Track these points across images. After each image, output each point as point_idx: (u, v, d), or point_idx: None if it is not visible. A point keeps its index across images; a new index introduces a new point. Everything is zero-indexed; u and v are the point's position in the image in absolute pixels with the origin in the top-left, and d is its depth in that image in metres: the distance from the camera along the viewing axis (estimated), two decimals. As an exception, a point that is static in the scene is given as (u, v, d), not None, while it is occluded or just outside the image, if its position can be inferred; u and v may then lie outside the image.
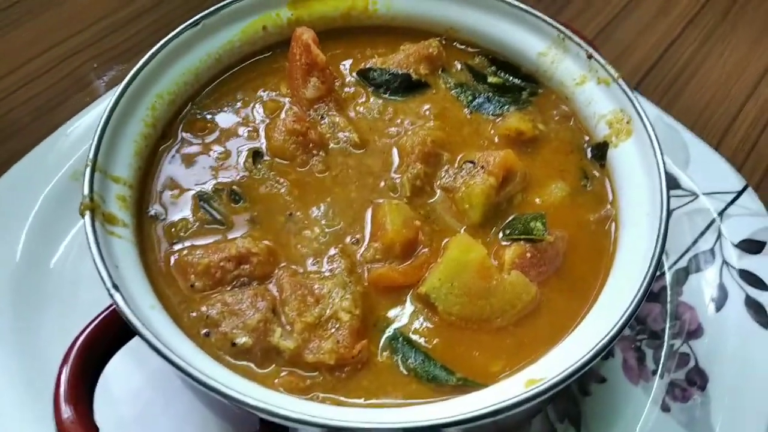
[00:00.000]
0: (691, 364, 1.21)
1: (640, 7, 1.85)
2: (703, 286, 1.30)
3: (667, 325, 1.25)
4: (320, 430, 0.75)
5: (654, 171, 0.98)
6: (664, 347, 1.24)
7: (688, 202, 1.40)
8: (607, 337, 0.82)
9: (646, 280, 0.87)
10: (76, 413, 0.82)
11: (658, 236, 0.92)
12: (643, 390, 1.19)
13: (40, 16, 1.67)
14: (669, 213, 0.94)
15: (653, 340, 1.25)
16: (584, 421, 1.15)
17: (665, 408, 1.17)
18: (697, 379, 1.20)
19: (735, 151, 1.59)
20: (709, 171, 1.43)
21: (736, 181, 1.41)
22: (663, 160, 0.99)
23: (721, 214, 1.38)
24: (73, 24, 1.65)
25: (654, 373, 1.21)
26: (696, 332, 1.25)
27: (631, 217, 1.00)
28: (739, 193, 1.39)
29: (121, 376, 1.08)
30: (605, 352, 0.82)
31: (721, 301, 1.27)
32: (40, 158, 1.30)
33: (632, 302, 0.85)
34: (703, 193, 1.40)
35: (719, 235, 1.36)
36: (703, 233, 1.36)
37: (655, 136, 1.01)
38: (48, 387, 0.83)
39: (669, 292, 1.30)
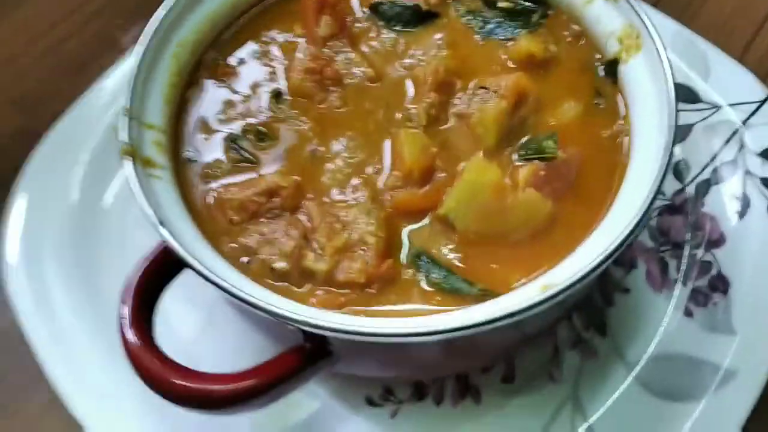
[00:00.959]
0: (714, 271, 1.25)
1: None
2: (725, 197, 1.32)
3: (689, 236, 1.29)
4: (357, 337, 0.82)
5: (662, 81, 1.00)
6: (686, 256, 1.27)
7: (710, 115, 1.41)
8: (619, 239, 0.86)
9: (655, 184, 0.90)
10: (141, 338, 0.90)
11: (666, 140, 0.94)
12: (665, 298, 1.24)
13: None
14: (677, 121, 0.96)
15: (676, 250, 1.29)
16: (609, 329, 1.21)
17: (688, 313, 1.21)
18: (720, 284, 1.23)
19: (759, 61, 1.57)
20: (731, 82, 1.43)
21: (759, 91, 1.40)
22: (672, 70, 1.00)
23: (743, 123, 1.38)
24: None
25: (677, 281, 1.25)
26: (718, 241, 1.28)
27: (643, 129, 1.02)
28: (762, 102, 1.39)
29: (177, 310, 1.18)
30: (618, 253, 0.86)
31: (743, 210, 1.29)
32: (81, 113, 1.39)
33: (642, 206, 0.89)
34: (725, 104, 1.40)
35: (742, 145, 1.37)
36: (725, 144, 1.37)
37: (663, 47, 1.02)
38: (113, 316, 0.91)
39: (691, 205, 1.32)
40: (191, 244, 0.89)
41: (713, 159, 1.37)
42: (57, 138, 1.37)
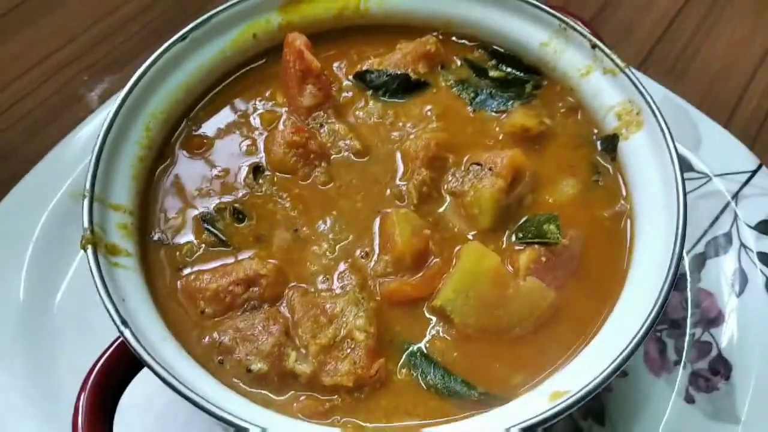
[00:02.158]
0: (714, 352, 1.19)
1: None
2: (721, 272, 1.27)
3: (689, 314, 1.23)
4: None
5: (667, 162, 0.95)
6: (686, 337, 1.21)
7: (701, 185, 1.37)
8: (634, 341, 0.80)
9: (670, 275, 0.85)
10: None
11: (677, 229, 0.89)
12: (666, 382, 1.17)
13: (22, 32, 1.62)
14: (686, 205, 0.91)
15: (674, 329, 1.23)
16: (608, 417, 1.13)
17: (689, 399, 1.15)
18: (721, 367, 1.17)
19: (747, 124, 1.56)
20: (721, 151, 1.39)
21: (749, 161, 1.37)
22: (676, 150, 0.95)
23: (735, 195, 1.34)
24: (58, 37, 1.60)
25: (676, 363, 1.19)
26: (717, 319, 1.22)
27: (647, 212, 0.97)
28: (753, 173, 1.36)
29: (140, 404, 1.06)
30: (630, 358, 0.79)
31: (740, 286, 1.25)
32: (36, 182, 1.27)
33: (657, 301, 0.83)
34: (716, 175, 1.37)
35: (735, 218, 1.33)
36: (718, 217, 1.33)
37: (667, 127, 0.97)
38: (68, 425, 0.81)
39: (688, 279, 1.27)
40: (156, 345, 0.80)
41: (707, 231, 1.33)
42: (6, 210, 1.23)
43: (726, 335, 1.20)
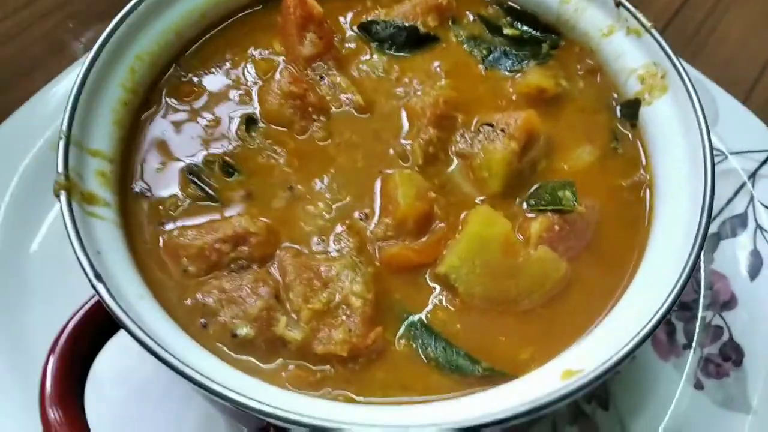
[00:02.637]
0: (725, 337, 1.14)
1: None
2: (735, 253, 1.21)
3: (701, 296, 1.17)
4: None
5: (694, 130, 0.88)
6: (697, 320, 1.15)
7: (717, 163, 1.29)
8: (654, 319, 0.73)
9: (693, 253, 0.79)
10: (64, 414, 0.76)
11: (704, 202, 0.82)
12: (674, 366, 1.11)
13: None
14: (714, 178, 0.84)
15: (684, 312, 1.17)
16: (612, 401, 1.08)
17: (698, 386, 1.09)
18: (732, 353, 1.12)
19: (766, 102, 1.48)
20: (739, 128, 1.33)
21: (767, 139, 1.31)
22: (705, 118, 0.88)
23: (753, 175, 1.28)
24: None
25: (686, 347, 1.13)
26: (729, 303, 1.17)
27: (669, 182, 0.90)
28: (774, 152, 1.30)
29: (115, 369, 0.99)
30: (648, 339, 0.73)
31: (755, 269, 1.19)
32: (15, 129, 1.21)
33: (677, 281, 0.77)
34: (732, 153, 1.30)
35: (751, 198, 1.26)
36: (734, 196, 1.27)
37: (695, 92, 0.90)
38: (37, 381, 0.75)
39: (701, 260, 1.21)
40: (133, 303, 0.72)
41: (722, 211, 1.26)
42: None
43: (739, 320, 1.14)
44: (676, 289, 0.75)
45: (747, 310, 1.15)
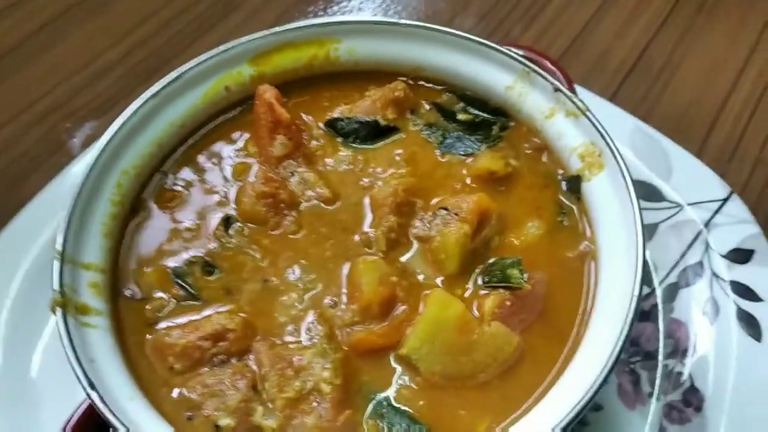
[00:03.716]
0: (687, 384, 1.20)
1: (610, 13, 1.82)
2: (694, 301, 1.28)
3: (661, 345, 1.24)
4: None
5: (628, 205, 0.97)
6: (659, 368, 1.22)
7: (674, 215, 1.38)
8: (592, 389, 0.81)
9: (629, 318, 0.87)
10: None
11: (635, 274, 0.91)
12: (640, 415, 1.18)
13: (3, 83, 1.65)
14: (645, 248, 0.93)
15: (647, 361, 1.24)
16: (583, 454, 1.14)
17: (663, 432, 1.16)
18: (693, 399, 1.18)
19: (719, 152, 1.57)
20: (693, 180, 1.41)
21: (720, 189, 1.39)
22: (636, 192, 0.97)
23: (707, 224, 1.36)
24: (37, 87, 1.63)
25: (650, 395, 1.20)
26: (689, 350, 1.23)
27: (609, 253, 0.99)
28: (724, 201, 1.38)
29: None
30: (592, 402, 0.81)
31: (712, 316, 1.26)
32: (17, 233, 1.29)
33: (615, 346, 0.85)
34: (688, 204, 1.38)
35: (707, 247, 1.34)
36: (690, 245, 1.35)
37: (627, 168, 0.99)
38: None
39: (660, 310, 1.29)
40: (124, 406, 0.81)
41: (680, 261, 1.34)
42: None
43: (698, 366, 1.21)
44: (612, 358, 0.83)
45: (706, 357, 1.22)
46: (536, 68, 1.10)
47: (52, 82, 1.64)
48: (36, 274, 1.20)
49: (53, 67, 1.67)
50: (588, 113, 1.06)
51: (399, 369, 0.92)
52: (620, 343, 0.85)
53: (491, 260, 1.02)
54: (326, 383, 0.87)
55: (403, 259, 1.02)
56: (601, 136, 1.04)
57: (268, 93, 1.08)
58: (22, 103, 1.60)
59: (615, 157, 1.01)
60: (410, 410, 0.89)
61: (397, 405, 0.89)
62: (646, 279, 1.33)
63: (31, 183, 1.42)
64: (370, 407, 0.89)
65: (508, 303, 0.95)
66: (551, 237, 1.05)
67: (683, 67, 1.73)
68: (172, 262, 1.00)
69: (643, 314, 1.29)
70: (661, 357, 1.24)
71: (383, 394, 0.90)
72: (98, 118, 1.58)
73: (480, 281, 1.00)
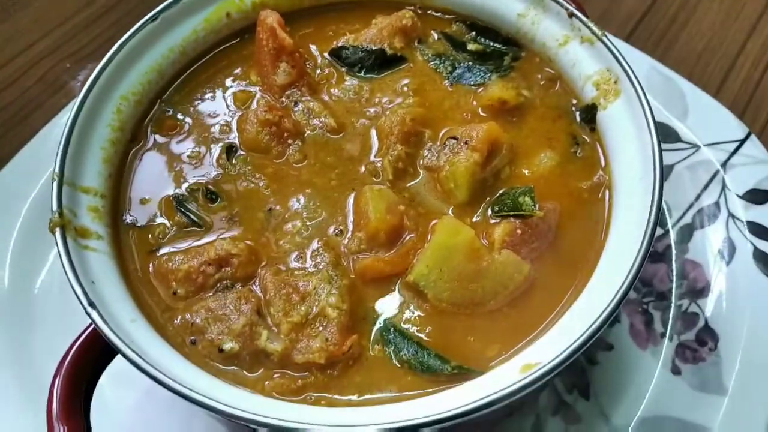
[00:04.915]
0: (701, 323, 1.18)
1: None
2: (709, 242, 1.26)
3: (674, 285, 1.22)
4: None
5: (645, 132, 0.93)
6: (672, 308, 1.20)
7: (690, 155, 1.35)
8: (603, 315, 0.79)
9: (643, 247, 0.83)
10: (69, 430, 0.81)
11: (652, 202, 0.87)
12: (652, 354, 1.16)
13: (4, 23, 1.62)
14: (663, 176, 0.89)
15: (660, 301, 1.22)
16: (593, 391, 1.13)
17: (676, 371, 1.14)
18: (708, 338, 1.16)
19: (736, 95, 1.53)
20: (710, 120, 1.37)
21: (738, 130, 1.35)
22: (654, 119, 0.94)
23: (724, 164, 1.32)
24: (39, 27, 1.60)
25: (662, 335, 1.18)
26: (704, 290, 1.21)
27: (625, 182, 0.95)
28: (742, 142, 1.34)
29: (120, 386, 1.07)
30: (601, 330, 0.78)
31: (728, 256, 1.23)
32: (20, 169, 1.28)
33: (628, 274, 0.82)
34: (705, 144, 1.35)
35: (723, 187, 1.31)
36: (706, 186, 1.32)
37: (645, 94, 0.95)
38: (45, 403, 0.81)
39: (674, 251, 1.26)
40: (125, 327, 0.79)
41: (695, 202, 1.31)
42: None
43: (713, 306, 1.19)
44: (624, 286, 0.80)
45: (721, 297, 1.20)
46: (550, -8, 1.06)
47: (51, 24, 1.60)
48: (42, 205, 1.20)
49: (51, 8, 1.63)
50: (604, 38, 1.02)
51: (406, 296, 0.90)
52: (633, 272, 0.83)
53: (501, 191, 0.98)
54: (332, 308, 0.85)
55: (411, 188, 0.99)
56: (617, 61, 1.00)
57: (270, 18, 1.04)
58: (20, 44, 1.57)
59: (632, 82, 0.97)
60: (418, 336, 0.86)
61: (405, 330, 0.87)
62: (660, 220, 1.28)
63: (33, 121, 1.40)
64: (377, 333, 0.87)
65: (518, 231, 0.92)
66: (564, 168, 1.02)
67: (699, 10, 1.67)
68: (173, 189, 0.98)
69: (657, 255, 1.26)
70: (674, 297, 1.21)
71: (390, 320, 0.88)
72: (97, 60, 1.54)
73: (489, 212, 0.97)
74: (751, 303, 1.17)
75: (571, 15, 1.05)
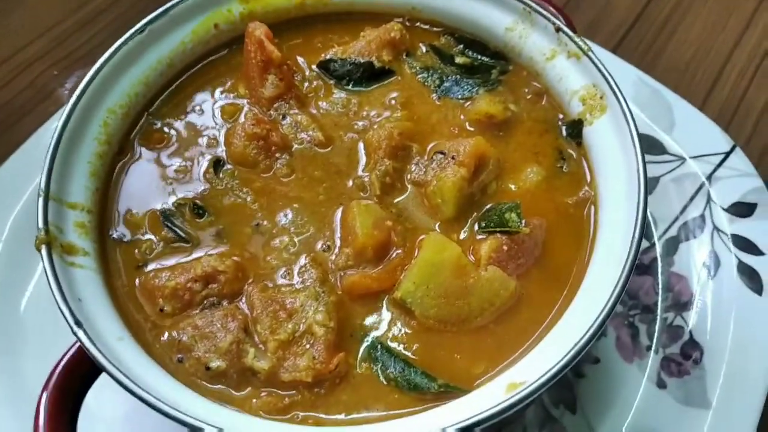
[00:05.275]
0: (686, 336, 1.19)
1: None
2: (694, 255, 1.26)
3: (659, 298, 1.23)
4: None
5: (630, 149, 0.94)
6: (658, 321, 1.21)
7: (675, 168, 1.36)
8: (589, 333, 0.79)
9: (628, 264, 0.84)
10: None
11: (636, 219, 0.88)
12: (638, 367, 1.17)
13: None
14: (647, 193, 0.90)
15: (646, 314, 1.23)
16: (579, 404, 1.13)
17: (661, 384, 1.15)
18: (692, 351, 1.17)
19: (722, 107, 1.54)
20: (696, 133, 1.38)
21: (723, 142, 1.36)
22: (639, 137, 0.94)
23: (709, 177, 1.33)
24: (26, 33, 1.59)
25: (648, 348, 1.19)
26: (688, 303, 1.22)
27: (610, 198, 0.96)
28: (727, 154, 1.35)
29: (108, 399, 1.05)
30: (587, 348, 0.79)
31: (713, 270, 1.24)
32: (4, 180, 1.27)
33: (613, 292, 0.82)
34: (691, 157, 1.36)
35: (708, 200, 1.32)
36: (692, 199, 1.33)
37: (629, 111, 0.96)
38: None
39: (660, 264, 1.27)
40: (112, 345, 0.79)
41: (680, 215, 1.32)
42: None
43: (697, 319, 1.20)
44: (609, 303, 0.81)
45: (705, 310, 1.20)
46: (537, 7, 1.06)
47: (39, 30, 1.59)
48: (27, 216, 1.19)
49: (41, 14, 1.62)
50: (590, 53, 1.03)
51: (393, 313, 0.90)
52: (619, 287, 0.83)
53: (488, 206, 0.99)
54: (319, 326, 0.85)
55: (398, 204, 0.99)
56: (604, 77, 1.00)
57: (258, 30, 1.04)
58: (7, 50, 1.56)
59: (618, 99, 0.98)
60: (405, 353, 0.86)
61: (392, 348, 0.87)
62: (646, 233, 1.30)
63: (21, 128, 1.39)
64: (364, 350, 0.87)
65: (505, 248, 0.93)
66: (550, 183, 1.02)
67: (687, 20, 1.68)
68: (160, 204, 0.97)
69: (643, 268, 1.27)
70: (660, 310, 1.22)
71: (377, 338, 0.88)
72: (86, 66, 1.53)
73: (476, 227, 0.97)
74: (735, 316, 1.18)
75: (558, 29, 1.06)
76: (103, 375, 0.84)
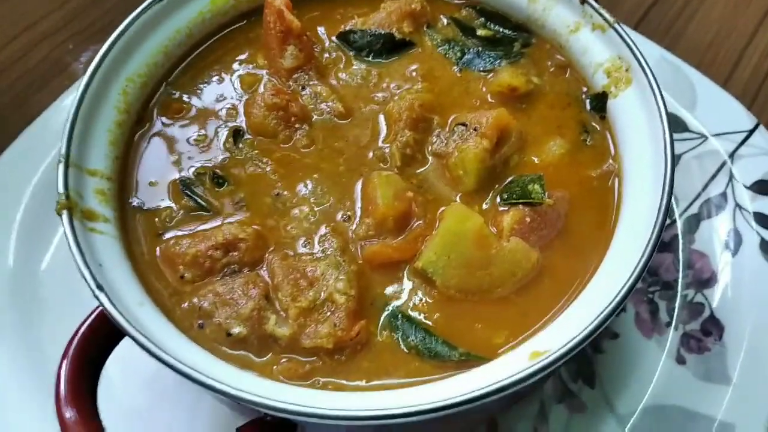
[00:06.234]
0: (706, 313, 1.18)
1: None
2: (716, 233, 1.25)
3: (680, 275, 1.22)
4: (321, 420, 0.72)
5: (656, 120, 0.92)
6: (678, 298, 1.20)
7: (697, 145, 1.34)
8: (614, 303, 0.78)
9: (653, 237, 0.83)
10: (78, 413, 0.81)
11: (663, 189, 0.87)
12: (657, 343, 1.16)
13: (6, 2, 1.60)
14: (674, 164, 0.89)
15: (666, 291, 1.22)
16: (598, 380, 1.13)
17: (680, 360, 1.14)
18: (713, 328, 1.16)
19: (745, 86, 1.52)
20: (718, 111, 1.37)
21: (746, 120, 1.34)
22: (666, 108, 0.93)
23: (731, 155, 1.32)
24: (42, 6, 1.58)
25: (668, 325, 1.18)
26: (710, 280, 1.21)
27: (635, 171, 0.95)
28: (750, 132, 1.33)
29: (126, 370, 1.06)
30: (611, 318, 0.78)
31: (735, 247, 1.23)
32: (23, 150, 1.27)
33: (637, 265, 0.81)
34: (713, 135, 1.34)
35: (731, 178, 1.30)
36: (713, 177, 1.31)
37: (656, 83, 0.94)
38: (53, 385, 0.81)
39: (681, 241, 1.26)
40: (133, 310, 0.79)
41: (702, 192, 1.30)
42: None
43: (719, 296, 1.19)
44: (635, 273, 0.80)
45: (727, 287, 1.19)
46: (562, -22, 1.04)
47: (55, 3, 1.59)
48: (45, 185, 1.19)
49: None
50: (616, 25, 1.01)
51: (414, 282, 0.89)
52: (643, 261, 0.82)
53: (510, 178, 0.98)
54: (340, 294, 0.84)
55: (419, 175, 0.98)
56: (630, 49, 0.98)
57: (278, 0, 1.03)
58: (21, 25, 1.55)
59: (644, 70, 0.96)
60: (426, 322, 0.86)
61: (413, 317, 0.86)
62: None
63: (36, 102, 1.39)
64: (385, 319, 0.87)
65: (527, 219, 0.92)
66: (573, 156, 1.01)
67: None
68: (180, 173, 0.97)
69: (663, 245, 1.26)
70: (680, 287, 1.21)
71: (398, 307, 0.87)
72: (101, 41, 1.52)
73: (498, 199, 0.96)
74: (756, 294, 1.17)
75: (583, 2, 1.04)
76: (122, 344, 0.85)
